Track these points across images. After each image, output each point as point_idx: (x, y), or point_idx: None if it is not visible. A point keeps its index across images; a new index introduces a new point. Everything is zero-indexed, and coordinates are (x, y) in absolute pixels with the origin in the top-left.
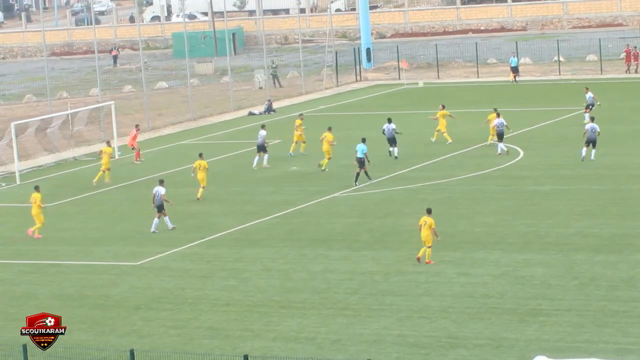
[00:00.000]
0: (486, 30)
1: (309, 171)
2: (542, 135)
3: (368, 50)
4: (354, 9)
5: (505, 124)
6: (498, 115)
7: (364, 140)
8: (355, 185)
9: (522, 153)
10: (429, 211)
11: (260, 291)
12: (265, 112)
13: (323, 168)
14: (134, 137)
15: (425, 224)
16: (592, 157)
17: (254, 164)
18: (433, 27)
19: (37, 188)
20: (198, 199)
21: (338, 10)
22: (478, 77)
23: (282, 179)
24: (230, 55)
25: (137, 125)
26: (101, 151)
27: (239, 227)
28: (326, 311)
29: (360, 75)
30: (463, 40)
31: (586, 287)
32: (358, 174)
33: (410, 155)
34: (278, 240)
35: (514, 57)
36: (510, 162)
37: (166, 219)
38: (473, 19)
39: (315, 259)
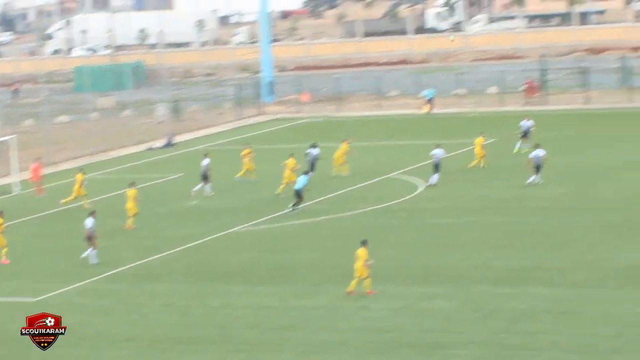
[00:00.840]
0: (388, 63)
1: (209, 206)
2: (443, 168)
3: (269, 84)
4: (255, 42)
5: (444, 155)
6: (437, 146)
7: (306, 173)
8: (294, 209)
9: (424, 186)
10: (363, 243)
11: (161, 326)
12: (165, 146)
13: (278, 192)
14: (37, 171)
15: (358, 256)
16: (539, 181)
17: (195, 189)
18: (334, 60)
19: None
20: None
21: (240, 43)
22: (379, 110)
23: (183, 214)
24: (132, 89)
25: (37, 159)
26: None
27: (139, 262)
28: (226, 346)
29: (262, 108)
30: (365, 73)
31: (487, 319)
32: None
33: (311, 188)
34: (178, 275)
35: (428, 89)
36: (412, 195)
37: (91, 251)
38: (375, 52)
39: (214, 294)
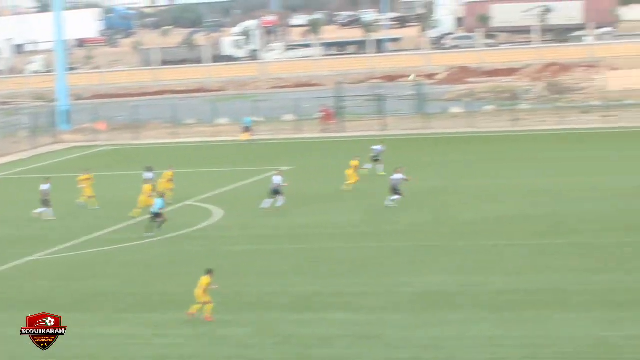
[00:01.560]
0: (185, 91)
1: (4, 234)
2: (238, 196)
3: (65, 112)
4: (51, 71)
5: (282, 183)
6: (277, 172)
7: (162, 196)
8: (151, 233)
9: (220, 213)
10: (207, 271)
11: None
12: None
13: (133, 215)
14: None
15: (200, 283)
16: (389, 202)
17: (37, 211)
18: (131, 88)
19: None
20: None
21: (36, 72)
22: (176, 137)
23: None
24: None
25: None
26: None
27: None
28: None
29: (58, 137)
30: (161, 101)
31: (282, 345)
32: (152, 225)
33: (107, 216)
34: None
35: (247, 117)
36: (208, 223)
37: None
38: (171, 80)
39: (10, 323)
